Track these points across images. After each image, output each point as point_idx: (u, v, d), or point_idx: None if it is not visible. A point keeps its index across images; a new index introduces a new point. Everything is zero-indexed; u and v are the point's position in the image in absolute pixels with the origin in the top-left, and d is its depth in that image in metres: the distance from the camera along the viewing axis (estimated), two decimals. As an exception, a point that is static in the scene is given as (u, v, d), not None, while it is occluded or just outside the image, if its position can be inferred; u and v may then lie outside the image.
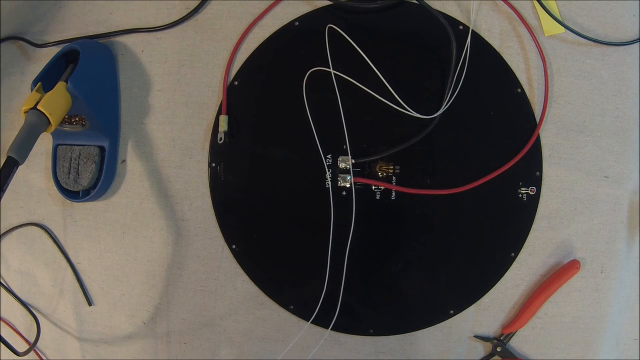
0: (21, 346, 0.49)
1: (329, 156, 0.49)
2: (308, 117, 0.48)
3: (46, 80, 0.46)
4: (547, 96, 0.48)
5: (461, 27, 0.48)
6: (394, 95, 0.47)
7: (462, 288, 0.49)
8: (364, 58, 0.47)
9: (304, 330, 0.50)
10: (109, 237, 0.53)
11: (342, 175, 0.48)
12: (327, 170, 0.49)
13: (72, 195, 0.51)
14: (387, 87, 0.47)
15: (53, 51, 0.50)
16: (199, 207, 0.51)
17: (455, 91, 0.47)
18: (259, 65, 0.50)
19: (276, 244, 0.50)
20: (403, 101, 0.47)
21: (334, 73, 0.48)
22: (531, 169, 0.48)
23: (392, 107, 0.47)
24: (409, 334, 0.50)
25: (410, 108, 0.47)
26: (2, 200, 0.40)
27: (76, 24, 0.53)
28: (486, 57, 0.49)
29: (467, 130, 0.49)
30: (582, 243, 0.49)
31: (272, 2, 0.50)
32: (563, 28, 0.48)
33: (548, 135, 0.49)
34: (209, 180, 0.51)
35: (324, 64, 0.48)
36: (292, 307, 0.50)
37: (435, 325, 0.50)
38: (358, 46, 0.48)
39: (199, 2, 0.50)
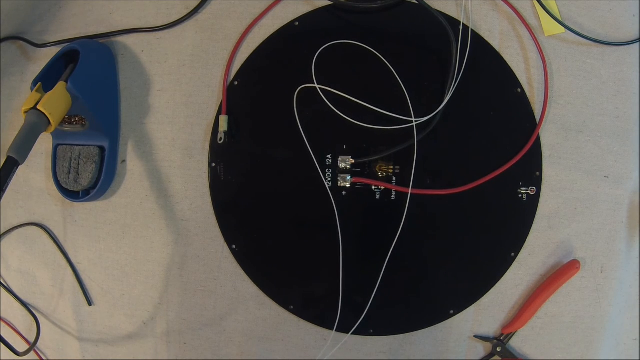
0: (21, 346, 0.49)
1: (329, 156, 0.49)
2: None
3: (46, 80, 0.46)
4: (547, 96, 0.48)
5: (461, 27, 0.48)
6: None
7: (462, 288, 0.49)
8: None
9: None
10: (109, 237, 0.53)
11: (342, 175, 0.48)
12: (326, 170, 0.49)
13: (72, 195, 0.51)
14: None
15: (53, 51, 0.50)
16: (199, 207, 0.51)
17: (452, 91, 0.47)
18: (259, 65, 0.50)
19: (276, 244, 0.50)
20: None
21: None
22: (531, 169, 0.48)
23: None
24: (409, 334, 0.50)
25: (411, 108, 0.47)
26: (2, 200, 0.40)
27: (76, 24, 0.53)
28: (486, 57, 0.49)
29: (467, 130, 0.49)
30: (582, 243, 0.49)
31: (272, 2, 0.50)
32: (563, 28, 0.48)
33: (548, 135, 0.49)
34: (209, 180, 0.51)
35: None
36: (292, 307, 0.50)
37: (435, 325, 0.50)
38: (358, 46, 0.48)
39: (199, 2, 0.50)
